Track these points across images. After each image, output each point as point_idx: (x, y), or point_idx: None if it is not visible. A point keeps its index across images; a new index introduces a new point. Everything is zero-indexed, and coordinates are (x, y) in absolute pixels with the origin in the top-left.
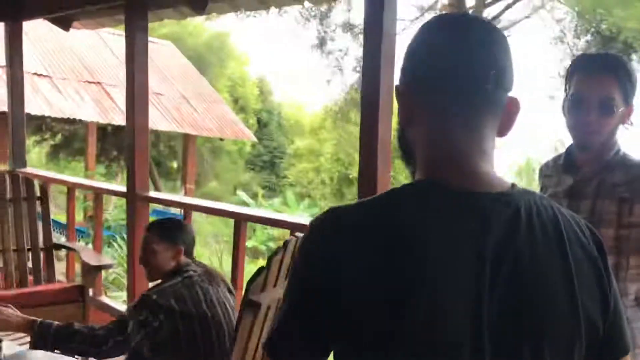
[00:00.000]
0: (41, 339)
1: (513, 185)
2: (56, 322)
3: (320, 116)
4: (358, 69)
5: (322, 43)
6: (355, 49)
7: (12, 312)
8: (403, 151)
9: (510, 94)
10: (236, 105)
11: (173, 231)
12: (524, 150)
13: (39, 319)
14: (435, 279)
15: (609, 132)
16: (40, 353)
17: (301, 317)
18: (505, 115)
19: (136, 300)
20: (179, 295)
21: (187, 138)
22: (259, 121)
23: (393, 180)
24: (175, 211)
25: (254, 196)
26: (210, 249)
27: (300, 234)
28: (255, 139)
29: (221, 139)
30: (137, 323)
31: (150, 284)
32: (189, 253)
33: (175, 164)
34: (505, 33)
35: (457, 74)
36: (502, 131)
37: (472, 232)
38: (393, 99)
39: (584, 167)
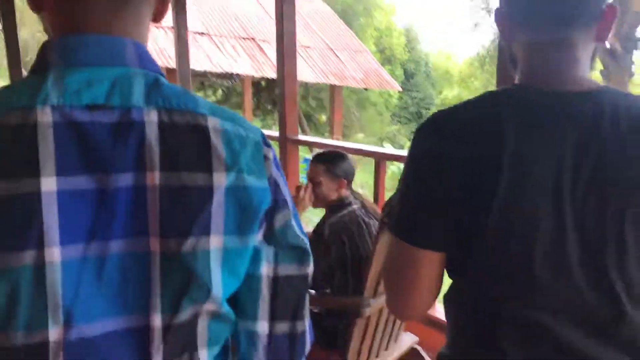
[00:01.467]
0: None
1: (603, 86)
2: None
3: (470, 64)
4: None
5: None
6: None
7: None
8: (511, 62)
9: (605, 9)
10: (382, 56)
11: (338, 165)
12: None
13: None
14: (521, 164)
15: None
16: None
17: (415, 205)
18: (603, 23)
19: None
20: (348, 230)
21: (332, 89)
22: (405, 72)
23: None
24: None
25: (401, 148)
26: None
27: None
28: (399, 88)
29: (365, 89)
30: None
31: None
32: (349, 184)
33: (323, 117)
34: None
35: (536, 14)
36: (599, 39)
37: (558, 123)
38: None
39: None
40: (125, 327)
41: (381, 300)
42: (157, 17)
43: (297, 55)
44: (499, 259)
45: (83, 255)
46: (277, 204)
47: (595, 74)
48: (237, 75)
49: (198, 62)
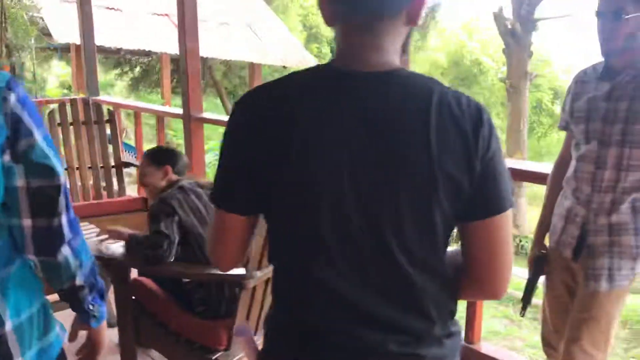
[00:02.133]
0: (130, 245)
1: (399, 68)
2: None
3: None
4: None
5: None
6: None
7: (123, 230)
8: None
9: None
10: (309, 33)
11: (160, 155)
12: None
13: (134, 232)
14: (307, 135)
15: (626, 38)
16: None
17: (223, 175)
18: (412, 10)
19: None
20: (176, 199)
21: (252, 67)
22: (332, 50)
23: None
24: None
25: None
26: None
27: None
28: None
29: (284, 67)
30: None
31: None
32: (180, 172)
33: None
34: None
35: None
36: (411, 22)
37: (343, 98)
38: None
39: (621, 73)
40: None
41: (266, 272)
42: None
43: (215, 32)
44: (290, 224)
45: None
46: (19, 133)
47: (498, 53)
48: (154, 52)
49: (110, 38)
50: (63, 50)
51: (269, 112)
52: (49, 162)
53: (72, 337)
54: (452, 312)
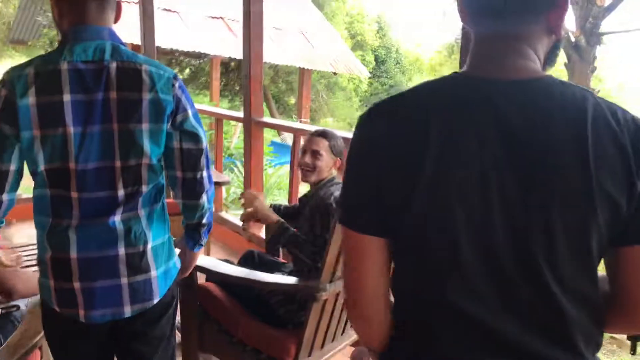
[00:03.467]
0: (277, 236)
1: (544, 75)
2: (292, 229)
3: (439, 52)
4: None
5: None
6: None
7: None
8: (462, 52)
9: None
10: (354, 41)
11: (338, 143)
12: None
13: (282, 220)
14: (446, 150)
15: None
16: None
17: (356, 191)
18: (553, 15)
19: (312, 208)
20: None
21: (302, 72)
22: (376, 58)
23: None
24: (290, 142)
25: None
26: None
27: None
28: (367, 74)
29: (334, 73)
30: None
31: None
32: (341, 166)
33: (292, 100)
34: None
35: (486, 3)
36: (552, 31)
37: (486, 109)
38: None
39: None
40: (103, 165)
41: (338, 285)
42: (116, 19)
43: (267, 37)
44: (422, 241)
45: (83, 131)
46: (178, 109)
47: (559, 68)
48: (206, 54)
49: (165, 39)
50: None
51: (405, 122)
52: (196, 131)
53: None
54: (598, 345)
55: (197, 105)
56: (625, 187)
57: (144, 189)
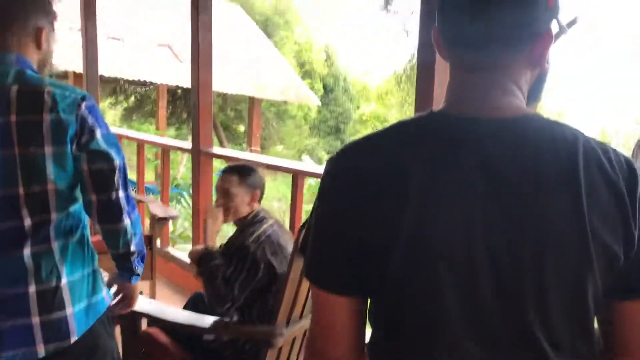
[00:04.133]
0: (204, 265)
1: (532, 113)
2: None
3: (387, 81)
4: None
5: (387, 3)
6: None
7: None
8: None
9: (543, 29)
10: (302, 70)
11: (251, 175)
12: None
13: (209, 248)
14: (427, 196)
15: None
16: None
17: (324, 245)
18: (537, 47)
19: (232, 250)
20: (274, 247)
21: (252, 101)
22: (325, 86)
23: None
24: None
25: (319, 161)
26: (274, 210)
27: None
28: (318, 102)
29: (285, 102)
30: (244, 280)
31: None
32: (261, 198)
33: (242, 128)
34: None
35: (454, 30)
36: (536, 64)
37: (470, 152)
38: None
39: None
40: (5, 193)
41: (294, 329)
42: (38, 46)
43: (216, 65)
44: (403, 298)
45: None
46: (83, 130)
47: None
48: (152, 82)
49: (110, 67)
50: (59, 78)
51: (377, 167)
52: (105, 150)
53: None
54: None
55: (143, 135)
56: (621, 236)
57: (54, 217)
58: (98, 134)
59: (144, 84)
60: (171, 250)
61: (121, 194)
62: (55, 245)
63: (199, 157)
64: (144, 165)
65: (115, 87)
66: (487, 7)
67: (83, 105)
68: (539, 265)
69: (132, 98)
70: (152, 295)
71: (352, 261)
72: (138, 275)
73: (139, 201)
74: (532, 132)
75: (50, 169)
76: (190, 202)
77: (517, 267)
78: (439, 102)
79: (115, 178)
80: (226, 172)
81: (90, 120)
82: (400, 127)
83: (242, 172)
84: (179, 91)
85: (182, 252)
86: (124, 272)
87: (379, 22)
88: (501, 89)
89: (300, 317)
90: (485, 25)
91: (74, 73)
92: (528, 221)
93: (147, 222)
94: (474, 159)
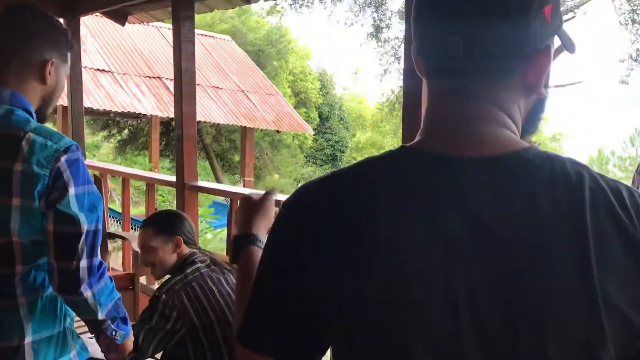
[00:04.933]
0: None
1: (526, 148)
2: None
3: (381, 108)
4: None
5: (377, 31)
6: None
7: None
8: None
9: (539, 48)
10: (298, 99)
11: (167, 222)
12: (595, 140)
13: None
14: (399, 253)
15: None
16: None
17: (264, 296)
18: (532, 69)
19: (148, 305)
20: (192, 292)
21: (244, 131)
22: (320, 115)
23: None
24: (236, 203)
25: None
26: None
27: None
28: (311, 131)
29: (277, 131)
30: (151, 329)
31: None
32: (190, 242)
33: (237, 158)
34: (570, 15)
35: (430, 47)
36: (528, 88)
37: (448, 201)
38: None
39: None
40: None
41: None
42: (42, 80)
43: (207, 95)
44: None
45: None
46: (54, 186)
47: None
48: (144, 114)
49: (98, 100)
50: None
51: (339, 212)
52: (71, 212)
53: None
54: None
55: (127, 169)
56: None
57: (19, 269)
58: (71, 192)
59: (137, 116)
60: (156, 287)
61: (83, 263)
62: (23, 301)
63: (184, 191)
64: (128, 200)
65: (108, 120)
66: (466, 19)
67: (63, 159)
68: (539, 341)
69: (126, 130)
70: None
71: (295, 327)
72: (122, 337)
73: (122, 238)
74: (526, 172)
75: (15, 222)
76: None
77: (514, 350)
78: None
79: (80, 245)
80: (142, 226)
81: (65, 176)
82: (366, 167)
83: (156, 222)
84: (173, 123)
85: None
86: (103, 337)
87: (371, 50)
88: (488, 120)
89: None
90: (465, 41)
91: (62, 107)
92: (522, 289)
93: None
94: (452, 210)
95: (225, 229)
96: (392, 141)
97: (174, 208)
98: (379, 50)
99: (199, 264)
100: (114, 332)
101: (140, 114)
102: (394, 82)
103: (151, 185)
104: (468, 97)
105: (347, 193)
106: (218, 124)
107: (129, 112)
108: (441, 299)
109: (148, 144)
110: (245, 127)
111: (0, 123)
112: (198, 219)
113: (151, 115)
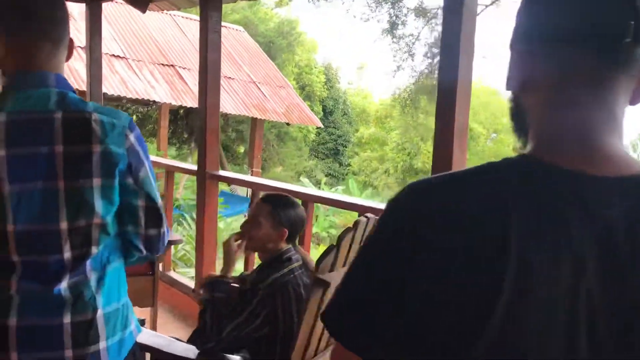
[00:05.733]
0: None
1: None
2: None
3: (387, 104)
4: (429, 55)
5: (393, 27)
6: (427, 34)
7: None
8: (514, 122)
9: None
10: (302, 92)
11: (285, 211)
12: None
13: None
14: (524, 276)
15: None
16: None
17: (361, 302)
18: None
19: (243, 289)
20: (285, 295)
21: (254, 122)
22: (324, 109)
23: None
24: (242, 192)
25: (317, 183)
26: None
27: (371, 215)
28: (321, 124)
29: (287, 124)
30: (240, 324)
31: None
32: (292, 238)
33: (242, 149)
34: None
35: (586, 26)
36: (636, 99)
37: (578, 224)
38: (471, 82)
39: None
40: (45, 228)
41: None
42: (68, 57)
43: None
44: None
45: (21, 189)
46: (134, 162)
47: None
48: (154, 102)
49: (113, 86)
50: None
51: (463, 228)
52: (153, 189)
53: None
54: None
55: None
56: None
57: (94, 250)
58: (147, 167)
59: (146, 103)
60: (173, 274)
61: (164, 229)
62: (92, 276)
63: (205, 180)
64: None
65: (118, 105)
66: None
67: (131, 135)
68: None
69: (134, 117)
70: (154, 323)
71: (400, 331)
72: None
73: None
74: None
75: (98, 203)
76: (192, 224)
77: None
78: (461, 129)
79: (163, 215)
80: (262, 199)
81: (140, 152)
82: (492, 171)
83: (276, 203)
84: (181, 111)
85: (183, 276)
86: None
87: (383, 45)
88: (609, 126)
89: (315, 354)
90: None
91: (78, 91)
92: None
93: None
94: (580, 230)
95: (237, 217)
96: (397, 138)
97: (190, 194)
98: (393, 47)
99: (294, 264)
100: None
101: (151, 101)
102: (407, 78)
103: (170, 172)
104: (598, 96)
105: (477, 200)
106: (226, 114)
107: (142, 99)
108: (562, 326)
109: (156, 132)
110: (255, 118)
111: (61, 107)
112: (217, 208)
113: (161, 103)
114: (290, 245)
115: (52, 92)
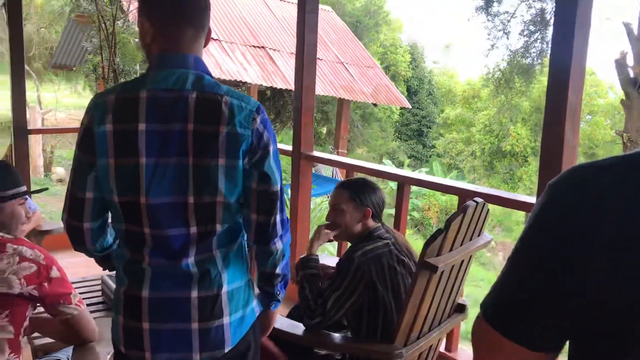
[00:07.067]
0: (300, 271)
1: None
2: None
3: (474, 84)
4: (526, 33)
5: (488, 5)
6: (523, 11)
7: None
8: None
9: None
10: (387, 72)
11: (362, 191)
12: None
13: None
14: None
15: None
16: None
17: (532, 293)
18: None
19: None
20: (381, 265)
21: (341, 103)
22: (408, 89)
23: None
24: (327, 173)
25: (399, 165)
26: None
27: (480, 200)
28: (409, 105)
29: (374, 104)
30: (340, 297)
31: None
32: (377, 216)
33: (325, 130)
34: None
35: None
36: None
37: None
38: (585, 60)
39: None
40: (175, 201)
41: (413, 350)
42: (206, 43)
43: None
44: None
45: (155, 163)
46: (257, 146)
47: (616, 104)
48: (244, 83)
49: (210, 69)
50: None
51: (630, 218)
52: (272, 172)
53: None
54: None
55: None
56: None
57: (218, 228)
58: (271, 153)
59: (236, 84)
60: None
61: (278, 217)
62: (218, 254)
63: (300, 160)
64: None
65: None
66: None
67: (258, 119)
68: None
69: None
70: None
71: (565, 320)
72: (279, 301)
73: None
74: None
75: (221, 182)
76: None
77: None
78: (573, 109)
79: (277, 201)
80: (338, 186)
81: (265, 136)
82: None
83: (354, 188)
84: (268, 92)
85: None
86: (265, 297)
87: (472, 24)
88: None
89: (419, 337)
90: None
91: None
92: None
93: None
94: None
95: (325, 197)
96: (484, 119)
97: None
98: (487, 25)
99: (387, 240)
100: (278, 292)
101: (242, 82)
102: (501, 57)
103: None
104: None
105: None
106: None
107: (235, 80)
108: None
109: None
110: (342, 99)
111: (197, 88)
112: (311, 189)
113: (250, 84)
114: (379, 224)
115: (190, 73)
